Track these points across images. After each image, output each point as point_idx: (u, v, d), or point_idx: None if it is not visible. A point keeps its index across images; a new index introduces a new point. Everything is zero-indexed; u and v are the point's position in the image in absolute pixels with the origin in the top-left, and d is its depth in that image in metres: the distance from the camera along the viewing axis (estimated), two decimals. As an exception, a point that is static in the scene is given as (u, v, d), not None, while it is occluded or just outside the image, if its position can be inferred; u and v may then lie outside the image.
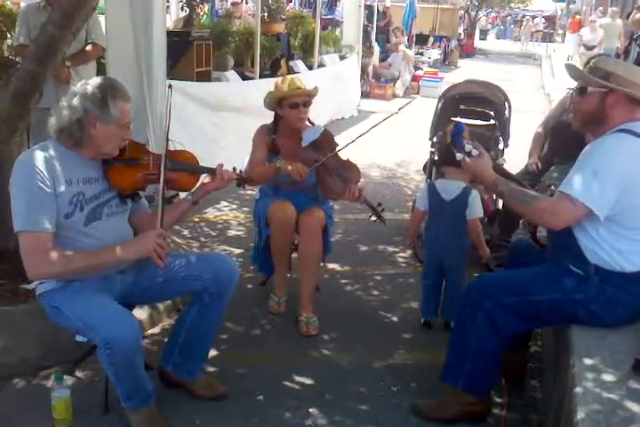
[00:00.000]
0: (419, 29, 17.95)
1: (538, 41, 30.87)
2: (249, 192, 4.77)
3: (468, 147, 2.58)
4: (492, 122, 4.76)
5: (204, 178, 2.77)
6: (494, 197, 4.41)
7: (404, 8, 16.57)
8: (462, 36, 23.84)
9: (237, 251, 4.43)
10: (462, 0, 24.06)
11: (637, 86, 2.44)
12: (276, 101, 3.49)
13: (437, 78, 12.95)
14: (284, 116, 3.51)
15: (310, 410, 2.77)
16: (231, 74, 6.82)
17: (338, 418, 2.73)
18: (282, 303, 3.63)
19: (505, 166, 4.65)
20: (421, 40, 17.84)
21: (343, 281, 4.13)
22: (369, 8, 12.75)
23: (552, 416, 2.43)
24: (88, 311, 2.35)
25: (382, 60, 13.06)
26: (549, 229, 2.59)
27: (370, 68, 12.16)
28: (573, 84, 2.64)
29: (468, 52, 23.15)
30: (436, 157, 4.57)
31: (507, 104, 4.70)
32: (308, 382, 3.00)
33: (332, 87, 8.56)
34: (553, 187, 3.26)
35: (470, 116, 4.84)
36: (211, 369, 3.00)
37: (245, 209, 5.28)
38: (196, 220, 5.04)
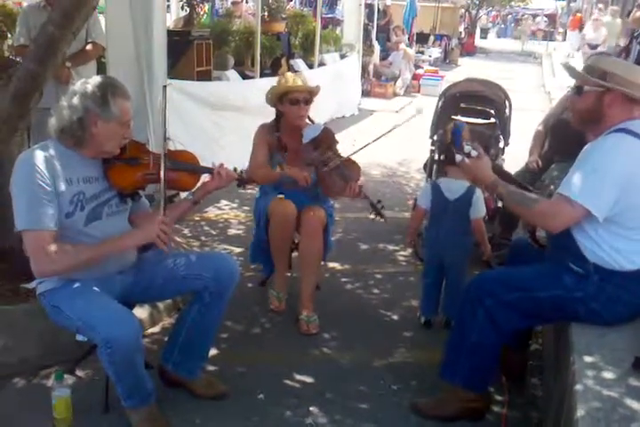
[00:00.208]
0: (419, 28, 17.92)
1: (538, 39, 30.83)
2: (249, 191, 4.77)
3: (467, 148, 2.57)
4: (493, 120, 4.77)
5: (205, 178, 2.77)
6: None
7: (405, 6, 16.55)
8: (463, 35, 23.82)
9: (238, 250, 4.43)
10: (463, -2, 24.05)
11: (635, 85, 2.44)
12: (278, 97, 3.50)
13: (438, 77, 12.94)
14: (285, 112, 3.52)
15: (310, 409, 2.78)
16: (231, 73, 6.82)
17: (338, 417, 2.73)
18: (282, 300, 3.63)
19: (505, 165, 4.67)
20: (422, 39, 17.81)
21: (343, 280, 4.13)
22: (369, 7, 12.73)
23: (552, 414, 2.43)
24: (88, 311, 2.35)
25: (383, 58, 13.05)
26: (548, 231, 2.59)
27: (370, 67, 12.15)
28: (574, 82, 2.64)
29: (469, 50, 23.12)
30: (437, 156, 4.57)
31: (507, 103, 4.69)
32: (309, 380, 3.00)
33: (332, 86, 8.55)
34: (552, 187, 3.27)
35: (471, 114, 4.84)
36: (211, 368, 3.00)
37: (246, 208, 5.28)
38: (197, 219, 5.05)
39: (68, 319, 2.40)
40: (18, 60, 4.61)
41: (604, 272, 2.43)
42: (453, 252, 3.42)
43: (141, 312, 3.25)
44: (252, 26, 7.77)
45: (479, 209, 3.39)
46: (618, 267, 2.42)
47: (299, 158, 3.39)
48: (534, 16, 35.89)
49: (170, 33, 5.31)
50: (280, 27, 8.73)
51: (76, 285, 2.44)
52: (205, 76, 6.27)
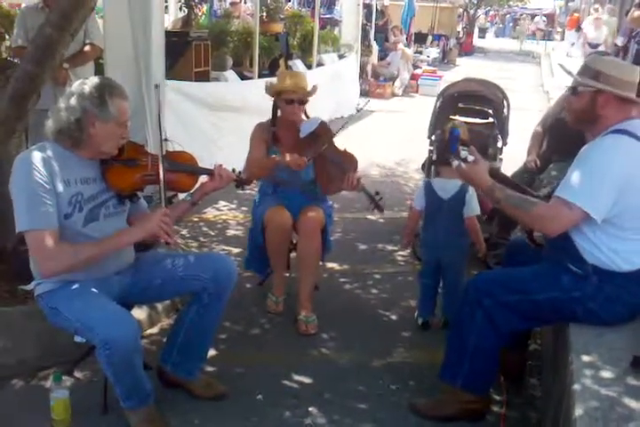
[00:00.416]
0: (417, 28, 17.93)
1: (537, 39, 30.85)
2: (248, 192, 4.77)
3: (463, 153, 2.56)
4: (491, 120, 4.77)
5: (203, 179, 2.77)
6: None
7: (403, 7, 16.56)
8: (461, 35, 23.83)
9: (236, 250, 4.43)
10: (461, -2, 24.06)
11: (628, 84, 2.43)
12: (275, 93, 3.55)
13: (436, 77, 12.95)
14: (280, 107, 3.57)
15: (309, 409, 2.78)
16: (230, 74, 6.82)
17: (337, 417, 2.73)
18: (279, 303, 3.64)
19: (503, 164, 4.68)
20: (420, 39, 17.83)
21: (342, 280, 4.13)
22: (368, 7, 12.74)
23: (551, 414, 2.43)
24: (86, 312, 2.35)
25: (381, 58, 13.06)
26: (546, 235, 2.59)
27: (369, 67, 12.16)
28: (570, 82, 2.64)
29: (467, 50, 23.13)
30: (435, 156, 4.57)
31: (505, 102, 4.70)
32: (307, 381, 3.00)
33: (330, 86, 8.56)
34: (550, 187, 3.27)
35: (469, 114, 4.85)
36: (210, 369, 3.00)
37: (244, 209, 5.28)
38: (195, 219, 5.04)
39: (66, 321, 2.40)
40: (16, 61, 4.61)
41: (602, 273, 2.43)
42: (450, 252, 3.42)
43: (140, 313, 3.25)
44: (250, 26, 7.77)
45: (473, 208, 3.39)
46: (616, 268, 2.42)
47: (295, 152, 3.40)
48: (532, 16, 35.94)
49: (168, 34, 5.30)
50: (278, 27, 8.72)
51: (74, 286, 2.43)
52: (204, 77, 6.27)
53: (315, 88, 3.59)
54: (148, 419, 2.52)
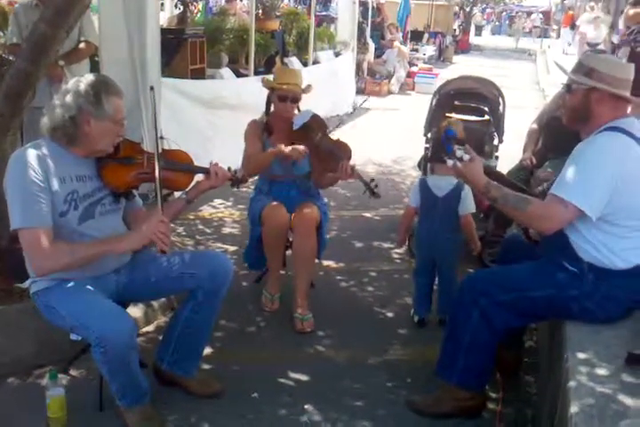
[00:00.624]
0: (413, 26, 17.93)
1: (533, 37, 30.88)
2: (244, 190, 4.77)
3: (459, 153, 2.55)
4: (487, 118, 4.78)
5: (199, 177, 2.76)
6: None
7: (399, 4, 16.55)
8: (457, 32, 23.83)
9: (232, 248, 4.43)
10: (457, -4, 24.08)
11: (621, 82, 2.44)
12: (269, 88, 3.60)
13: (432, 74, 12.96)
14: (273, 104, 3.61)
15: (306, 407, 2.78)
16: (225, 71, 6.81)
17: (333, 414, 2.73)
18: (275, 300, 3.64)
19: (499, 162, 4.69)
20: (416, 36, 17.82)
21: (338, 278, 4.13)
22: (363, 4, 12.73)
23: (546, 410, 2.44)
24: (82, 310, 2.34)
25: (377, 56, 13.05)
26: (542, 233, 2.59)
27: (365, 65, 12.15)
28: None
29: (463, 48, 23.15)
30: (431, 154, 4.57)
31: (501, 100, 4.70)
32: (304, 378, 3.00)
33: (327, 84, 8.55)
34: (545, 184, 3.27)
35: (465, 111, 4.85)
36: (206, 367, 3.00)
37: (240, 206, 5.27)
38: (191, 217, 5.04)
39: (62, 318, 2.39)
40: (10, 58, 4.59)
41: (598, 271, 2.43)
42: (444, 249, 3.42)
43: (136, 311, 3.24)
44: (246, 24, 7.75)
45: (468, 205, 3.39)
46: (612, 266, 2.42)
47: (288, 144, 3.42)
48: (528, 13, 35.96)
49: (163, 31, 5.29)
50: (274, 25, 8.72)
51: (70, 284, 2.43)
52: (199, 75, 6.27)
53: (309, 87, 3.61)
54: (143, 417, 2.51)
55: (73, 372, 2.88)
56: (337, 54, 10.22)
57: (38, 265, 2.36)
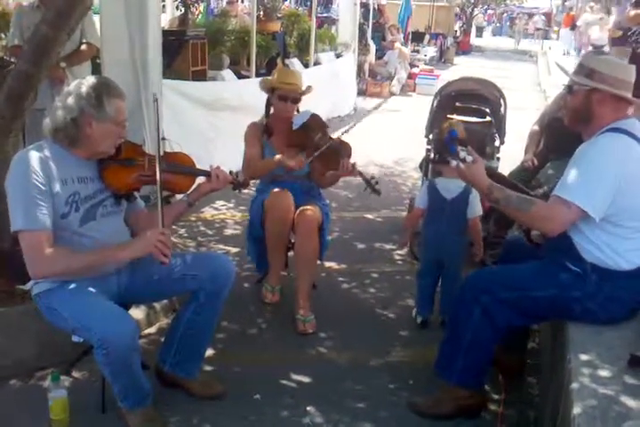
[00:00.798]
0: (414, 27, 17.94)
1: (533, 38, 30.87)
2: (246, 191, 4.78)
3: (462, 154, 2.55)
4: (488, 119, 4.77)
5: (200, 179, 2.76)
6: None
7: (400, 6, 16.56)
8: (458, 34, 23.83)
9: (234, 250, 4.43)
10: (458, -3, 24.09)
11: (624, 83, 2.43)
12: (269, 89, 3.60)
13: (433, 76, 12.96)
14: (274, 105, 3.62)
15: (307, 408, 2.77)
16: (227, 73, 6.81)
17: (335, 416, 2.73)
18: (275, 292, 3.64)
19: (501, 163, 4.68)
20: (417, 38, 17.83)
21: (340, 279, 4.13)
22: (365, 6, 12.73)
23: (549, 412, 2.43)
24: (84, 311, 2.34)
25: (378, 57, 13.06)
26: (546, 234, 2.58)
27: (366, 66, 12.16)
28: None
29: (464, 49, 23.14)
30: (432, 155, 4.58)
31: (502, 101, 4.70)
32: (306, 380, 3.00)
33: (328, 85, 8.55)
34: (546, 187, 3.26)
35: (466, 113, 4.85)
36: (208, 368, 3.00)
37: (242, 208, 5.27)
38: (193, 219, 5.04)
39: (64, 320, 2.39)
40: (12, 60, 4.60)
41: (601, 272, 2.43)
42: (451, 251, 3.42)
43: (138, 313, 3.24)
44: (247, 25, 7.76)
45: (476, 208, 3.40)
46: (615, 266, 2.42)
47: (288, 144, 3.43)
48: (529, 15, 35.96)
49: (165, 33, 5.29)
50: (275, 26, 8.72)
51: (72, 285, 2.43)
52: (201, 76, 6.27)
53: (309, 88, 3.62)
54: (146, 419, 2.51)
55: (75, 374, 2.88)
56: (338, 56, 10.23)
57: (35, 268, 2.35)
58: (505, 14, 41.89)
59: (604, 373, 2.13)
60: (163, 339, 2.87)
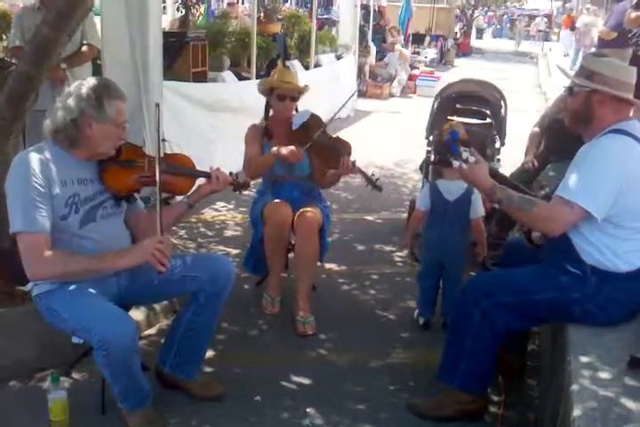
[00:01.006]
0: (415, 29, 17.96)
1: (534, 40, 30.90)
2: (246, 193, 4.77)
3: (464, 154, 2.55)
4: (489, 121, 4.77)
5: (200, 181, 2.76)
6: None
7: (400, 7, 16.58)
8: (459, 36, 23.85)
9: (234, 251, 4.43)
10: (458, -1, 24.11)
11: (624, 85, 2.44)
12: (267, 89, 3.60)
13: (434, 77, 12.96)
14: (273, 106, 3.63)
15: (308, 410, 2.77)
16: (227, 74, 6.82)
17: (335, 418, 2.73)
18: (276, 304, 3.64)
19: (501, 165, 4.68)
20: (418, 39, 17.85)
21: (340, 280, 4.13)
22: (365, 8, 12.74)
23: (549, 414, 2.43)
24: (84, 312, 2.34)
25: (379, 59, 13.06)
26: (548, 235, 2.58)
27: (366, 68, 12.16)
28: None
29: (465, 51, 23.16)
30: (433, 157, 4.58)
31: (503, 103, 4.70)
32: (306, 381, 3.00)
33: (328, 87, 8.55)
34: (547, 189, 3.26)
35: (466, 114, 4.85)
36: (208, 369, 3.00)
37: (242, 209, 5.27)
38: (193, 220, 5.04)
39: (64, 321, 2.39)
40: (13, 61, 4.61)
41: (601, 274, 2.43)
42: (454, 252, 3.42)
43: (138, 314, 3.24)
44: (247, 27, 7.76)
45: (478, 209, 3.40)
46: (615, 268, 2.42)
47: (288, 144, 3.43)
48: (529, 16, 35.99)
49: (165, 34, 5.29)
50: (276, 28, 8.73)
51: (72, 287, 2.43)
52: (201, 78, 6.27)
53: (307, 87, 3.64)
54: (146, 420, 2.51)
55: (75, 375, 2.88)
56: (338, 57, 10.23)
57: (32, 270, 2.35)
58: (505, 16, 41.91)
59: (604, 375, 2.13)
60: (163, 340, 2.87)
